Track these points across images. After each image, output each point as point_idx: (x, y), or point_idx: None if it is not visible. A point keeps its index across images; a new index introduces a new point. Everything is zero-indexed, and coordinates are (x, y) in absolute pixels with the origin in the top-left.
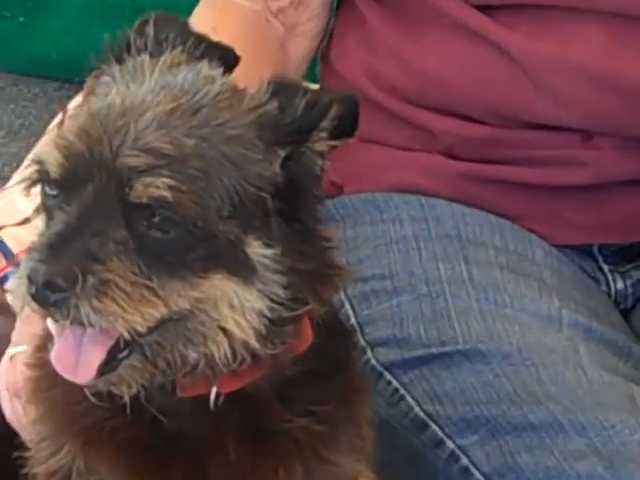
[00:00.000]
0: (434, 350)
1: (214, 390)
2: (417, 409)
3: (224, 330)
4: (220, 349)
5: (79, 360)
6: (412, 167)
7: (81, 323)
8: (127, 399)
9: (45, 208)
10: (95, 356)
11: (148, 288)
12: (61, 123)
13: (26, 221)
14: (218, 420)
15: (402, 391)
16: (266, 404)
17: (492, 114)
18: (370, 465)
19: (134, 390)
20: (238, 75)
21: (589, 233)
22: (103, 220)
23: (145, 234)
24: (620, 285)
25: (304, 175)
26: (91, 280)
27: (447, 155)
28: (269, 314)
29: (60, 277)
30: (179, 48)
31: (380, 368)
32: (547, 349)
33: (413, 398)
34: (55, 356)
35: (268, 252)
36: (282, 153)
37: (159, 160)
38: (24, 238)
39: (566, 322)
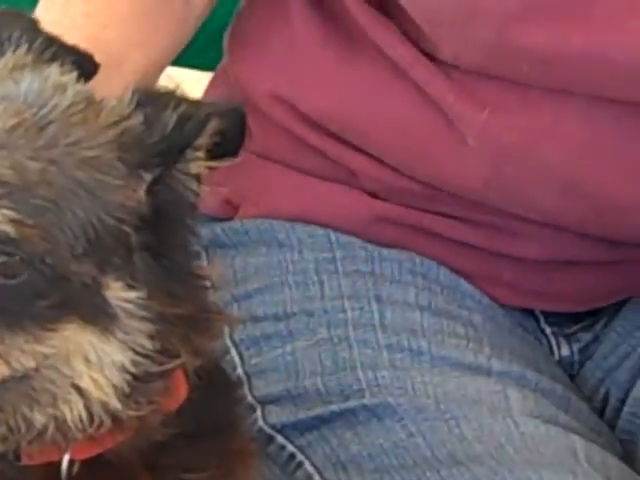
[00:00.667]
0: (335, 407)
1: (67, 457)
2: (317, 478)
3: (78, 389)
4: (73, 411)
5: None
6: (323, 199)
7: None
8: None
9: None
10: None
11: None
12: None
13: None
14: None
15: (299, 457)
16: (130, 473)
17: (429, 179)
18: None
19: None
20: (137, 41)
21: (535, 299)
22: None
23: None
24: (565, 351)
25: (174, 203)
26: None
27: (369, 194)
28: (133, 369)
29: None
30: (23, 47)
31: (270, 430)
32: (471, 399)
33: (312, 465)
34: None
35: (131, 295)
36: (148, 177)
37: None
38: None
39: (496, 370)
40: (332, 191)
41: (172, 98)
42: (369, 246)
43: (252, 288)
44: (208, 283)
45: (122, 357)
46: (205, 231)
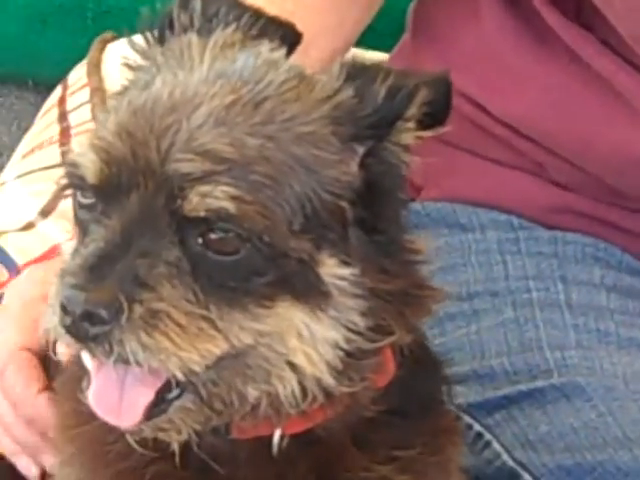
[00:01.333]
0: (523, 386)
1: (278, 432)
2: (506, 456)
3: (292, 365)
4: (287, 387)
5: (123, 400)
6: (507, 186)
7: (126, 361)
8: (176, 446)
9: (78, 220)
10: (141, 396)
11: (206, 320)
12: (62, 100)
13: (30, 226)
14: (282, 467)
15: (487, 436)
16: (339, 449)
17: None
18: None
19: (185, 436)
20: (325, 27)
21: None
22: (151, 237)
23: (201, 254)
24: None
25: (387, 175)
26: (139, 310)
27: (556, 184)
28: (345, 346)
29: (102, 307)
30: (232, 26)
31: (458, 410)
32: None
33: (501, 444)
34: (94, 396)
35: (345, 272)
36: (360, 150)
37: (217, 165)
38: (28, 246)
39: None
40: (517, 178)
41: (380, 70)
42: (552, 230)
43: (434, 268)
44: (420, 257)
45: (335, 334)
46: None
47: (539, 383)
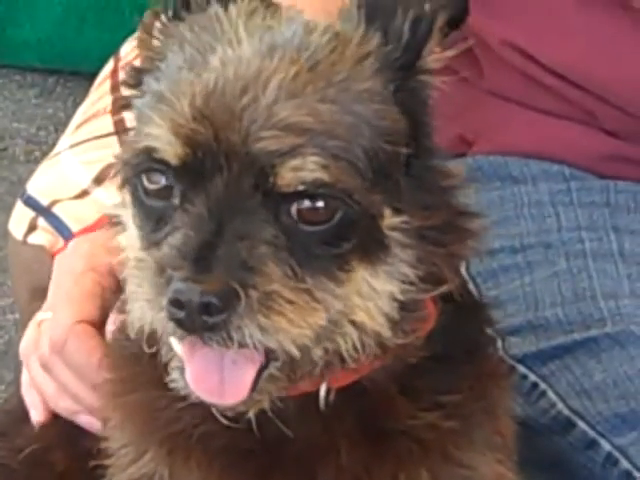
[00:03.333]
0: (577, 336)
1: (324, 386)
2: (561, 405)
3: (353, 322)
4: (348, 342)
5: (225, 380)
6: (559, 136)
7: (243, 345)
8: (252, 414)
9: (143, 207)
10: (246, 374)
11: (308, 293)
12: (114, 72)
13: (84, 194)
14: (329, 420)
15: (542, 385)
16: (385, 398)
17: None
18: (514, 467)
19: (266, 404)
20: None
21: None
22: (244, 218)
23: (293, 228)
24: None
25: (419, 105)
26: (255, 295)
27: (607, 132)
28: (401, 297)
29: (219, 296)
30: None
31: (512, 361)
32: None
33: (556, 393)
34: (193, 379)
35: (398, 220)
36: (392, 86)
37: (301, 137)
38: (83, 213)
39: None
40: (569, 128)
41: (394, 3)
42: (603, 179)
43: (488, 222)
44: (456, 181)
45: (391, 286)
46: None
47: (593, 332)
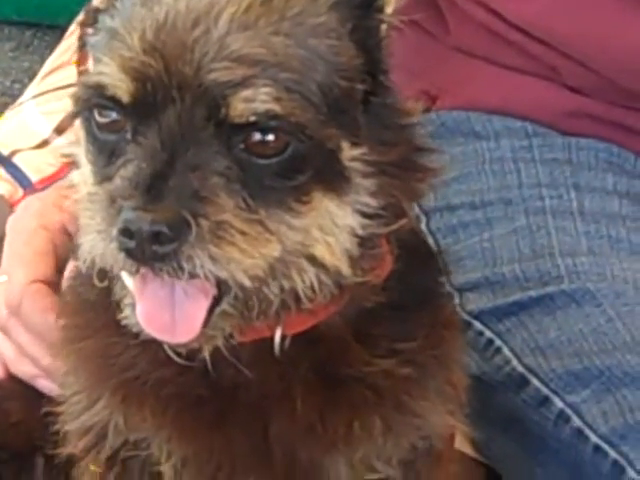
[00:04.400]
0: (533, 292)
1: (279, 332)
2: (515, 362)
3: (312, 258)
4: (305, 280)
5: (176, 318)
6: (522, 91)
7: (193, 276)
8: (207, 354)
9: (96, 142)
10: (196, 311)
11: (260, 224)
12: (83, 23)
13: (44, 144)
14: (283, 366)
15: (497, 342)
16: (341, 345)
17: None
18: (464, 419)
19: (219, 342)
20: None
21: None
22: (196, 149)
23: (246, 160)
24: None
25: (376, 43)
26: (205, 224)
27: (570, 89)
28: (361, 232)
29: (168, 225)
30: None
31: (468, 317)
32: None
33: (511, 350)
34: (144, 316)
35: (356, 152)
36: (349, 25)
37: (253, 68)
38: (43, 164)
39: None
40: (532, 83)
41: None
42: (566, 136)
43: (449, 177)
44: (413, 119)
45: (352, 220)
46: None
47: (549, 289)
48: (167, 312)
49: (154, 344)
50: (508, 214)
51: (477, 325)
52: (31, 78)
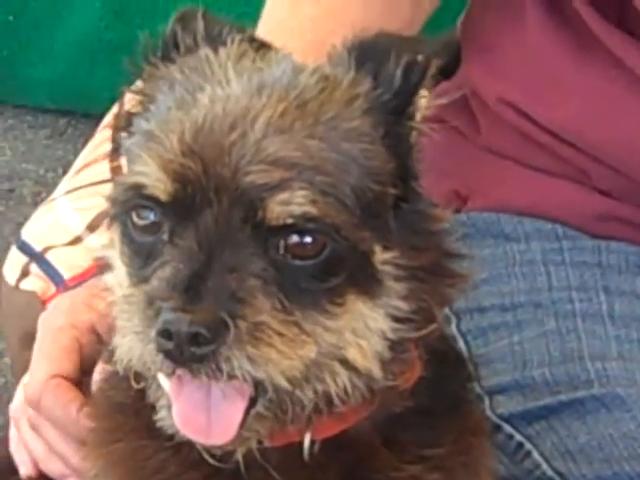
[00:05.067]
0: (564, 397)
1: (308, 437)
2: (545, 466)
3: (345, 360)
4: (338, 383)
5: (212, 420)
6: (553, 194)
7: (231, 377)
8: (240, 456)
9: (132, 243)
10: (234, 412)
11: (297, 325)
12: (117, 116)
13: (77, 240)
14: (312, 471)
15: (527, 446)
16: (369, 450)
17: None
18: None
19: (253, 444)
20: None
21: None
22: (233, 251)
23: (282, 262)
24: None
25: (408, 150)
26: (243, 325)
27: (600, 191)
28: (392, 335)
29: (207, 327)
30: (238, 37)
31: (498, 420)
32: None
33: (540, 454)
34: (179, 417)
35: (388, 256)
36: (381, 130)
37: (289, 171)
38: (75, 260)
39: None
40: (563, 186)
41: (388, 46)
42: (597, 239)
43: (479, 279)
44: (443, 225)
45: (384, 324)
46: None
47: (579, 393)
48: (203, 413)
49: (186, 447)
50: (538, 317)
51: (507, 428)
52: (64, 167)
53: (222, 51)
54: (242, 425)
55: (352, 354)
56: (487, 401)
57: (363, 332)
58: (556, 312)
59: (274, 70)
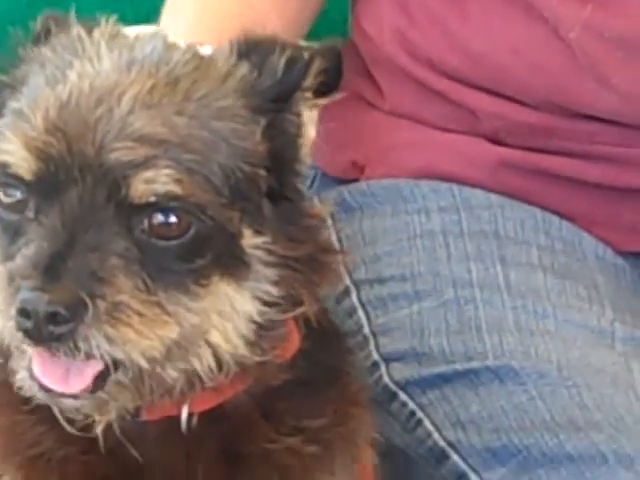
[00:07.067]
0: (458, 366)
1: (185, 410)
2: (436, 436)
3: (208, 342)
4: (203, 362)
5: (70, 371)
6: (446, 150)
7: (90, 356)
8: (100, 428)
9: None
10: (89, 366)
11: (158, 306)
12: None
13: None
14: (191, 446)
15: (420, 414)
16: (247, 422)
17: (547, 102)
18: None
19: (113, 416)
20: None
21: None
22: (96, 230)
23: (146, 241)
24: None
25: (287, 145)
26: (102, 305)
27: (489, 139)
28: (259, 319)
29: (65, 306)
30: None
31: (394, 387)
32: (593, 368)
33: (432, 423)
34: (40, 367)
35: (259, 241)
36: (263, 122)
37: (155, 148)
38: None
39: (619, 337)
40: (455, 140)
41: (276, 43)
42: (492, 196)
43: (381, 251)
44: (321, 222)
45: (251, 307)
46: (332, 194)
47: (474, 364)
48: (62, 366)
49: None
50: (437, 287)
51: (402, 396)
52: None
53: (96, 31)
54: (96, 380)
55: (215, 336)
56: (384, 367)
57: (229, 314)
58: (454, 282)
59: (145, 47)
